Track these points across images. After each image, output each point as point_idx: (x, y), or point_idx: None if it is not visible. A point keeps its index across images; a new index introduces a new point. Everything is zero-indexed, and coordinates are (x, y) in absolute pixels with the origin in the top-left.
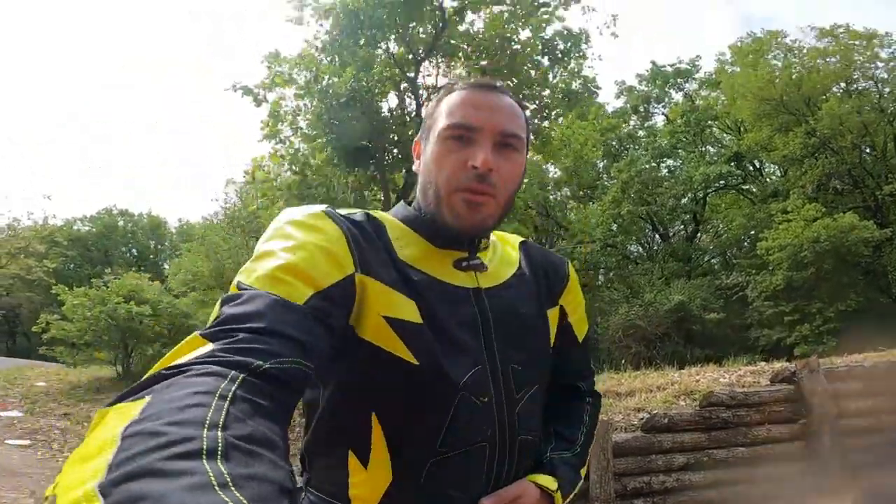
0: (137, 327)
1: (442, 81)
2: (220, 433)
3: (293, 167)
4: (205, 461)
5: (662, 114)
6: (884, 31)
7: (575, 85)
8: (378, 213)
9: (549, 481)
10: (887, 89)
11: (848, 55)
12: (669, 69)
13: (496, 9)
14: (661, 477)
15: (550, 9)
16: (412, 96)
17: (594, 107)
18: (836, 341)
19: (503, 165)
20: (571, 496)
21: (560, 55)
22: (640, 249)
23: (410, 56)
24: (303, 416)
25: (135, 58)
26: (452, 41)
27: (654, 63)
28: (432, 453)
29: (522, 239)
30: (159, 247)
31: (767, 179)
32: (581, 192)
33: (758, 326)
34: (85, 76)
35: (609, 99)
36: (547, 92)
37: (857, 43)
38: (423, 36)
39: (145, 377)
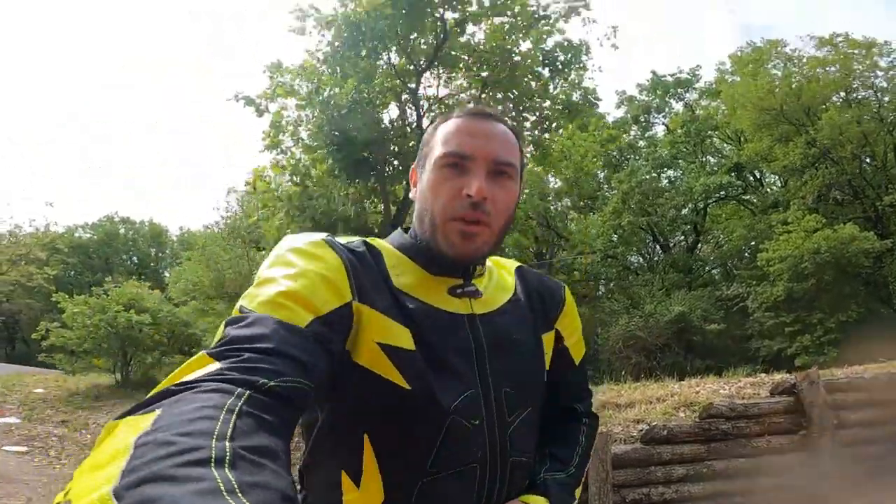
0: (137, 335)
1: (443, 92)
2: (227, 444)
3: (294, 178)
4: (213, 468)
5: (663, 123)
6: (883, 39)
7: (575, 96)
8: (376, 241)
9: (540, 502)
10: (887, 98)
11: (847, 64)
12: (670, 79)
13: (497, 20)
14: (661, 489)
15: (551, 21)
16: (413, 107)
17: (595, 118)
18: (837, 351)
19: (497, 193)
20: None
21: (560, 66)
22: (641, 260)
23: (411, 67)
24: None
25: (135, 58)
26: (453, 52)
27: (654, 73)
28: (423, 474)
29: (519, 264)
30: (160, 255)
31: (768, 190)
32: (582, 203)
33: (758, 337)
34: (85, 76)
35: (610, 109)
36: (547, 103)
37: (856, 52)
38: (425, 47)
39: (154, 392)
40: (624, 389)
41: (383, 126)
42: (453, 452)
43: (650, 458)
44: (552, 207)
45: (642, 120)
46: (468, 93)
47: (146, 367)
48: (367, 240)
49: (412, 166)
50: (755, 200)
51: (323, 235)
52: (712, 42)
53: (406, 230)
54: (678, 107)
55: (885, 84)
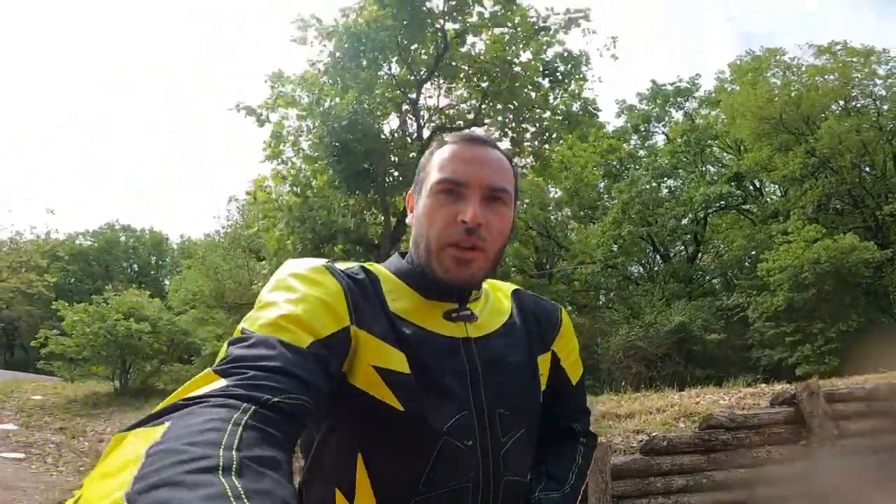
0: (136, 344)
1: (443, 102)
2: (234, 453)
3: (295, 188)
4: (221, 476)
5: (663, 133)
6: (881, 47)
7: (575, 107)
8: (373, 267)
9: None
10: (885, 106)
11: (846, 72)
12: (670, 88)
13: (497, 31)
14: (660, 499)
15: (551, 32)
16: (413, 118)
17: (594, 128)
18: (838, 361)
19: (492, 219)
20: None
21: (560, 77)
22: (641, 270)
23: (412, 77)
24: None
25: (135, 58)
26: (454, 63)
27: (654, 82)
28: (415, 493)
29: (515, 287)
30: (160, 263)
31: (768, 199)
32: (582, 213)
33: (759, 347)
34: (85, 76)
35: (610, 118)
36: (547, 114)
37: (854, 60)
38: (425, 58)
39: (161, 407)
40: (624, 400)
41: (383, 137)
42: (445, 472)
43: (650, 469)
44: (552, 217)
45: (642, 129)
46: (468, 103)
47: (145, 375)
48: (365, 265)
49: (409, 192)
50: (755, 210)
51: (323, 261)
52: (712, 50)
53: (403, 255)
54: (678, 116)
55: (883, 92)
